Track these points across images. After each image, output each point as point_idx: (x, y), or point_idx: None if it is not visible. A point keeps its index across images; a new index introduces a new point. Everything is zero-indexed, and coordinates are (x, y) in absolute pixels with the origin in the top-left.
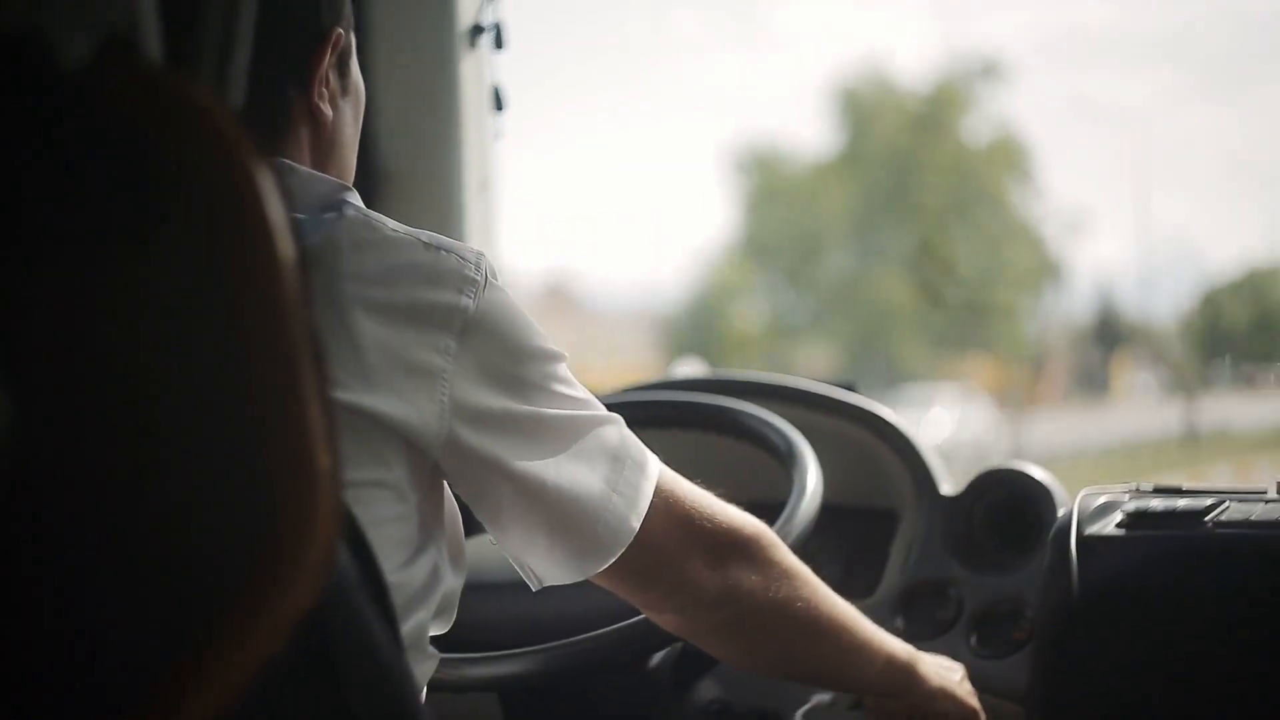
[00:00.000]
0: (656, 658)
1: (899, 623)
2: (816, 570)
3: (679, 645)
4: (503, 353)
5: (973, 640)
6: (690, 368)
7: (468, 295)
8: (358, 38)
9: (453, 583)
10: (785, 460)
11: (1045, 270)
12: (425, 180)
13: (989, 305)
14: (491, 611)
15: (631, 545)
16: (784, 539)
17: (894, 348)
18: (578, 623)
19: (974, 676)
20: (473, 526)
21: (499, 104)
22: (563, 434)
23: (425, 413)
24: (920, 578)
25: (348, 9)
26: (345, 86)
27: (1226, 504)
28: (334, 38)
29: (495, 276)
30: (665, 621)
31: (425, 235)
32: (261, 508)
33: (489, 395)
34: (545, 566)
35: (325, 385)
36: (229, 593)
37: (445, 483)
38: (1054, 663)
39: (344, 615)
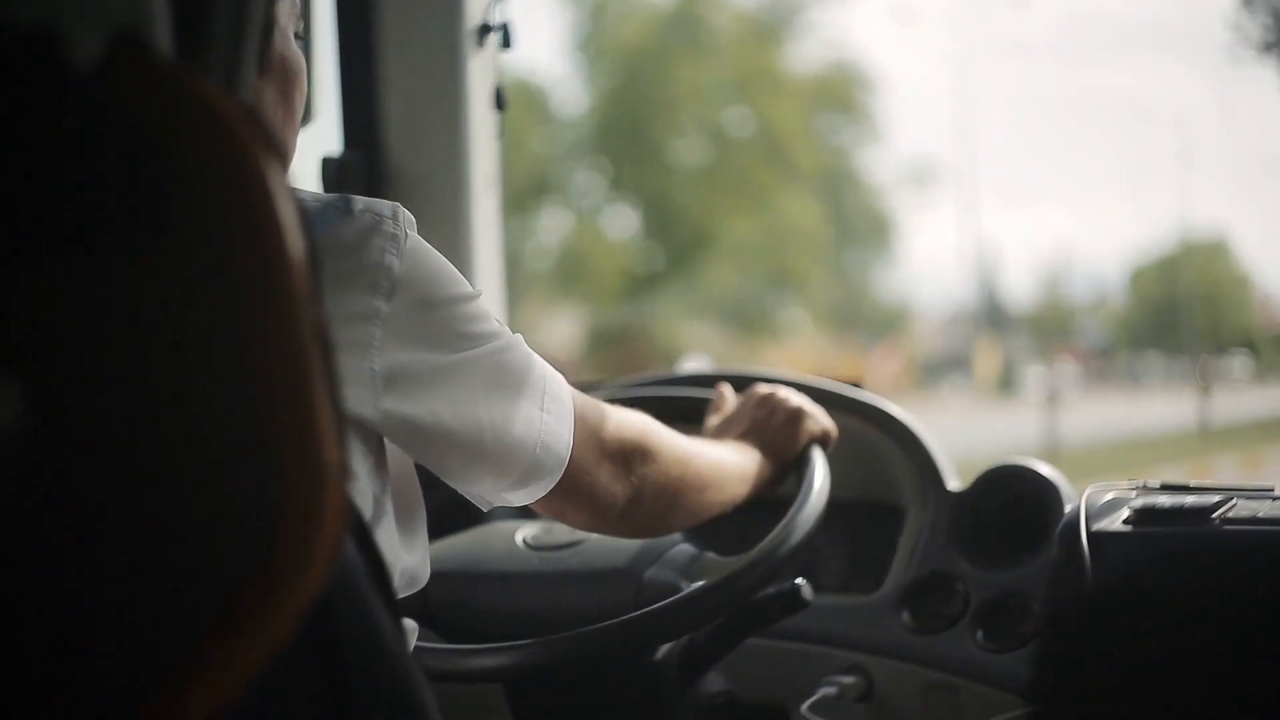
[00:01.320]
0: (662, 650)
1: (905, 617)
2: (822, 565)
3: (685, 638)
4: (428, 306)
5: (979, 635)
6: (698, 363)
7: (391, 253)
8: (367, 38)
9: (408, 560)
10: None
11: (876, 231)
12: (433, 178)
13: (782, 273)
14: (496, 603)
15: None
16: (791, 534)
17: (651, 321)
18: (583, 614)
19: (980, 672)
20: (469, 519)
21: (500, 103)
22: (489, 372)
23: (358, 384)
24: (926, 573)
25: None
26: (263, 65)
27: (1234, 501)
28: None
29: (412, 227)
30: (576, 524)
31: (338, 199)
32: (271, 502)
33: (417, 354)
34: (493, 495)
35: (334, 381)
36: (239, 585)
37: (390, 457)
38: (1060, 657)
39: (350, 605)
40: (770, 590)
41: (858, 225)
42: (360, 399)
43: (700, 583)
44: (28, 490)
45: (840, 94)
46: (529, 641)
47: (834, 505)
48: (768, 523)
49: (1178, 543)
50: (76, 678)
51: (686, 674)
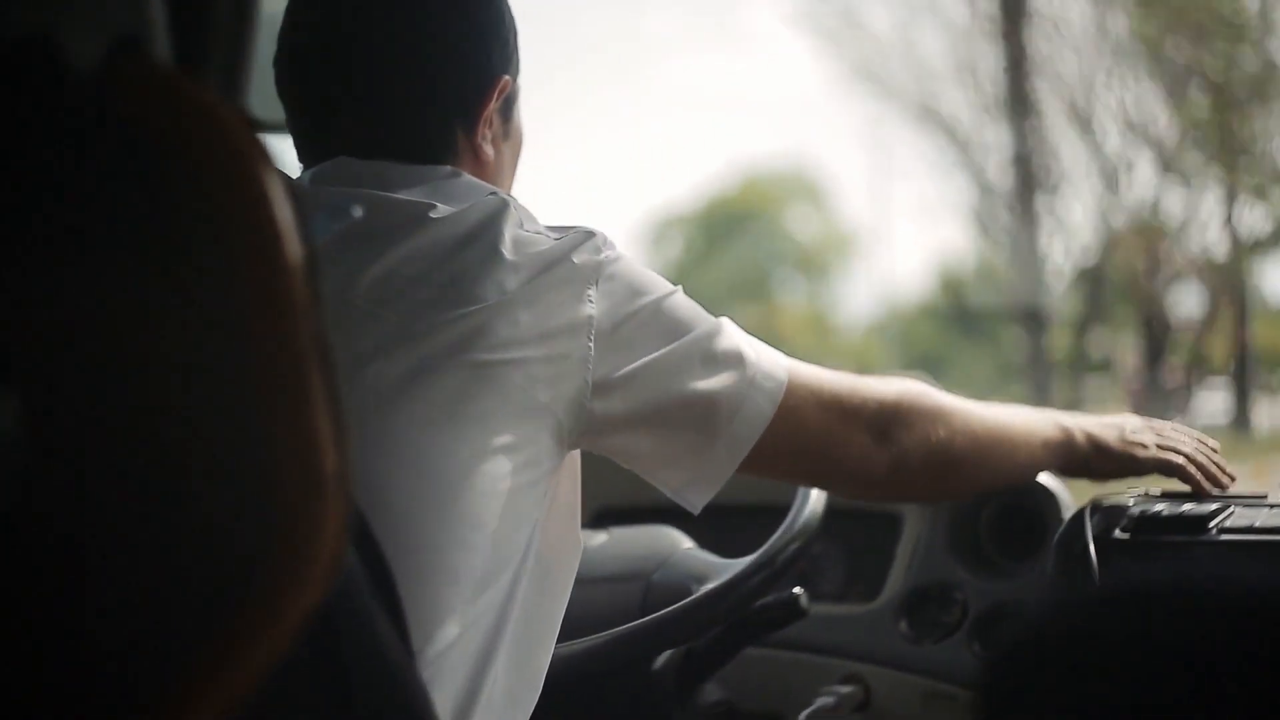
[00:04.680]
0: (661, 660)
1: (903, 627)
2: (820, 574)
3: (683, 648)
4: (634, 306)
5: (976, 645)
6: None
7: (596, 254)
8: None
9: (540, 546)
10: None
11: None
12: None
13: None
14: None
15: (786, 428)
16: (790, 542)
17: None
18: (588, 620)
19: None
20: None
21: None
22: (688, 358)
23: (575, 358)
24: (924, 581)
25: (517, 58)
26: (507, 131)
27: (1231, 509)
28: (501, 84)
29: (612, 246)
30: (845, 493)
31: (552, 226)
32: (268, 512)
33: (626, 357)
34: (697, 483)
35: (333, 388)
36: (236, 596)
37: (567, 468)
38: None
39: (352, 618)
40: (768, 599)
41: None
42: (578, 374)
43: (708, 584)
44: (21, 502)
45: None
46: None
47: (831, 513)
48: (765, 530)
49: (1176, 551)
50: (73, 694)
51: (684, 684)
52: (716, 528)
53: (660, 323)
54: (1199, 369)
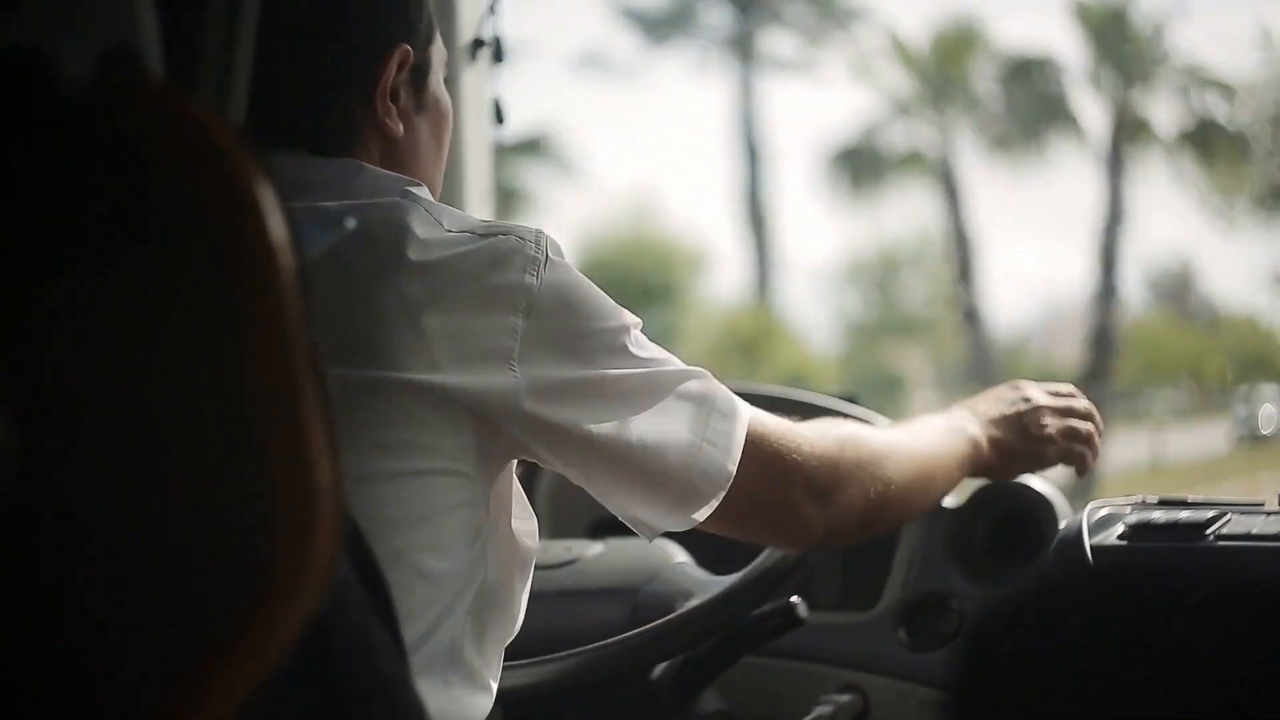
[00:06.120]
0: (659, 669)
1: (901, 635)
2: (817, 582)
3: (681, 657)
4: (571, 324)
5: None
6: None
7: (530, 274)
8: None
9: (493, 576)
10: None
11: None
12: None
13: None
14: None
15: (732, 490)
16: (780, 561)
17: None
18: (579, 633)
19: None
20: None
21: (499, 116)
22: (640, 393)
23: (499, 387)
24: (922, 590)
25: (424, 27)
26: (421, 103)
27: (1228, 516)
28: (399, 54)
29: (558, 253)
30: (778, 547)
31: (480, 225)
32: (262, 523)
33: (560, 367)
34: (650, 518)
35: (326, 400)
36: (230, 607)
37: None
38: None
39: (345, 626)
40: (766, 608)
41: None
42: (502, 398)
43: (694, 600)
44: (15, 514)
45: None
46: (526, 661)
47: None
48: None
49: (1172, 558)
50: (71, 700)
51: (682, 693)
52: (715, 539)
53: (599, 344)
54: None
